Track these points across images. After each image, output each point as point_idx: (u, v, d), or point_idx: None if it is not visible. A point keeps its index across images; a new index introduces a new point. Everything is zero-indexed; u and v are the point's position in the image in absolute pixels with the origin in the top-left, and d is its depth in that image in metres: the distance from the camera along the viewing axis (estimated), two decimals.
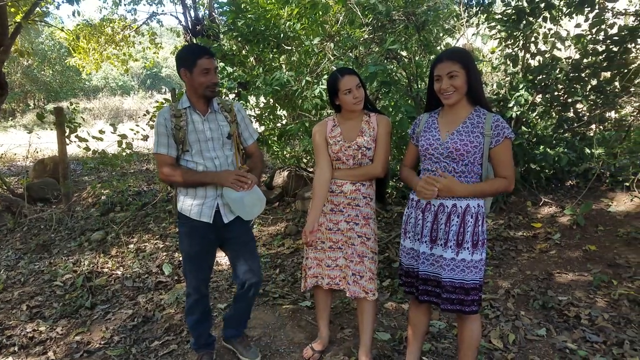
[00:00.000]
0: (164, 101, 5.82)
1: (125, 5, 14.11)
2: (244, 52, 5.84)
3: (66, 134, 5.91)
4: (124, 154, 6.10)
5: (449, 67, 2.11)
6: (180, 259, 4.56)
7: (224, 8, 5.51)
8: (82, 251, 4.98)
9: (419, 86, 5.16)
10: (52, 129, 7.46)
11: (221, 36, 8.25)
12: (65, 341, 3.27)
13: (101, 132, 5.60)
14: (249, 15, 5.31)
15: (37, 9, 8.24)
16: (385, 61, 5.00)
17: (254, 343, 3.02)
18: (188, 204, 2.51)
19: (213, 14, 13.03)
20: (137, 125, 5.93)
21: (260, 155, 2.80)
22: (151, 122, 5.83)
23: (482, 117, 2.16)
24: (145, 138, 5.95)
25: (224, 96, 5.29)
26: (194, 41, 9.46)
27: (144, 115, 6.07)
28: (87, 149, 5.71)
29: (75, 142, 5.86)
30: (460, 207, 2.18)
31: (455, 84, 2.12)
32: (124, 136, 5.77)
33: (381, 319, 3.26)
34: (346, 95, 2.49)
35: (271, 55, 5.94)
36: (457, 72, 2.11)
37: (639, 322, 3.02)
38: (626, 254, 3.92)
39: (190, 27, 13.16)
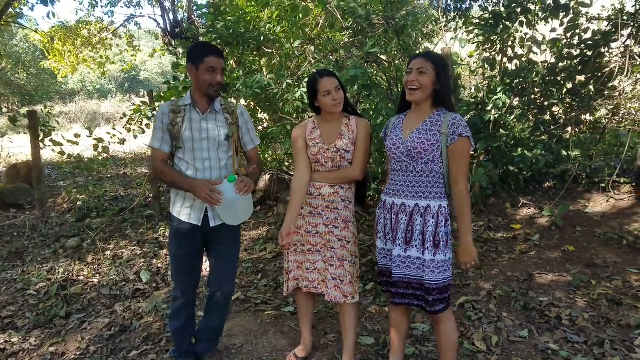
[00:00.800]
0: (141, 104, 5.71)
1: (102, 7, 13.91)
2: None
3: (40, 138, 5.76)
4: (100, 158, 5.97)
5: (422, 63, 2.16)
6: (159, 265, 4.48)
7: (203, 10, 5.43)
8: (57, 259, 4.84)
9: (399, 90, 5.17)
10: (26, 133, 7.27)
11: (200, 38, 8.16)
12: (39, 352, 3.16)
13: (77, 136, 5.48)
14: (229, 18, 5.26)
15: (10, 10, 8.04)
16: (366, 65, 5.01)
17: (236, 351, 2.97)
18: (178, 205, 2.50)
19: (192, 16, 12.93)
20: (114, 129, 5.82)
21: (260, 162, 2.78)
22: (128, 126, 5.72)
23: (442, 116, 2.20)
24: (123, 142, 5.84)
25: None
26: (173, 44, 9.34)
27: (121, 118, 5.95)
28: (62, 153, 5.57)
29: (49, 146, 5.71)
30: (422, 206, 2.21)
31: (422, 81, 2.15)
32: (100, 140, 5.65)
33: (365, 323, 3.23)
34: (325, 97, 2.48)
35: (251, 58, 5.90)
36: (427, 71, 2.15)
37: (618, 321, 3.06)
38: (604, 254, 3.98)
39: (169, 29, 13.03)
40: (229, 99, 5.30)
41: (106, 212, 6.04)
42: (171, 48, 10.64)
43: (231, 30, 5.23)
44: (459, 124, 2.15)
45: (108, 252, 4.87)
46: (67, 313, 3.69)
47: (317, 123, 2.64)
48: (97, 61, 14.65)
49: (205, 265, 4.20)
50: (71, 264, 4.64)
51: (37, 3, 13.93)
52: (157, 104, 5.54)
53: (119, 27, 14.87)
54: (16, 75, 26.04)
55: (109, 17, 14.61)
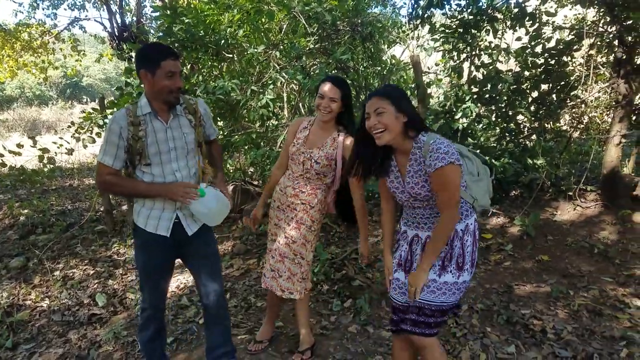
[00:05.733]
0: (92, 111, 5.30)
1: (43, 9, 13.13)
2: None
3: None
4: (46, 169, 5.50)
5: (377, 103, 1.98)
6: (115, 287, 4.11)
7: (158, 12, 5.10)
8: (0, 281, 4.37)
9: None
10: None
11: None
12: None
13: (19, 145, 5.00)
14: (187, 20, 4.97)
15: None
16: (335, 71, 4.85)
17: None
18: (144, 215, 2.29)
19: (141, 20, 12.46)
20: (61, 139, 5.37)
21: (219, 147, 2.70)
22: (76, 135, 5.29)
23: (421, 148, 2.00)
24: (70, 152, 5.40)
25: None
26: (124, 48, 8.88)
27: (69, 126, 5.49)
28: (2, 165, 5.07)
29: None
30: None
31: (383, 121, 1.96)
32: (45, 150, 5.19)
33: (346, 345, 3.03)
34: (318, 99, 2.56)
35: (210, 63, 5.63)
36: (385, 109, 1.96)
37: (601, 333, 3.01)
38: (577, 263, 3.98)
39: (116, 33, 12.45)
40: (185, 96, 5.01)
41: (53, 228, 5.56)
42: (121, 52, 10.14)
43: (189, 34, 4.95)
44: (437, 155, 1.92)
45: (57, 273, 4.43)
46: (13, 343, 3.28)
47: (310, 124, 2.71)
48: (38, 66, 13.81)
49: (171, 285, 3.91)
50: (16, 286, 4.18)
51: None
52: (109, 111, 5.15)
53: (62, 31, 14.10)
54: None
55: (52, 19, 13.78)
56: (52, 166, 5.45)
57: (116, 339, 3.24)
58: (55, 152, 5.36)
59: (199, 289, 2.47)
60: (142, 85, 2.35)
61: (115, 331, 3.30)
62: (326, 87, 2.52)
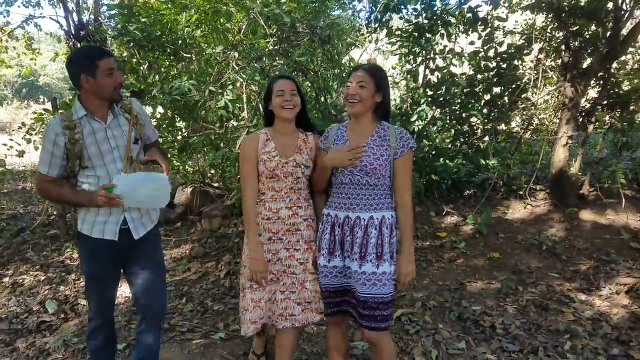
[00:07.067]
0: (43, 112, 5.14)
1: None
2: (135, 59, 5.37)
3: None
4: None
5: (362, 76, 2.17)
6: (67, 293, 4.00)
7: (114, 11, 5.00)
8: None
9: (326, 99, 5.10)
10: None
11: (109, 41, 7.60)
12: None
13: None
14: (143, 20, 4.89)
15: None
16: (294, 73, 4.87)
17: None
18: (89, 221, 2.21)
19: (99, 18, 12.14)
20: (12, 140, 5.19)
21: (160, 145, 2.59)
22: (27, 136, 5.12)
23: (386, 129, 2.22)
24: (21, 154, 5.23)
25: None
26: (79, 46, 8.64)
27: (19, 128, 5.31)
28: None
29: None
30: (377, 218, 2.19)
31: (362, 94, 2.15)
32: None
33: (302, 345, 3.05)
34: (278, 97, 2.31)
35: (167, 63, 5.55)
36: (366, 84, 2.16)
37: (547, 327, 3.14)
38: (527, 259, 4.13)
39: (73, 32, 12.08)
40: (144, 106, 4.93)
41: (3, 233, 5.35)
42: None
43: (145, 33, 4.87)
44: (407, 137, 2.20)
45: (6, 279, 4.27)
46: None
47: (270, 134, 2.39)
48: None
49: (122, 291, 3.83)
50: None
51: None
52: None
53: (15, 29, 13.60)
54: None
55: (4, 17, 13.27)
56: (2, 169, 5.26)
57: (66, 346, 3.15)
58: (6, 155, 5.18)
59: (139, 293, 2.34)
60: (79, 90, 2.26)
61: (65, 338, 3.21)
62: (282, 82, 2.34)
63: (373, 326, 2.17)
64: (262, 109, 2.43)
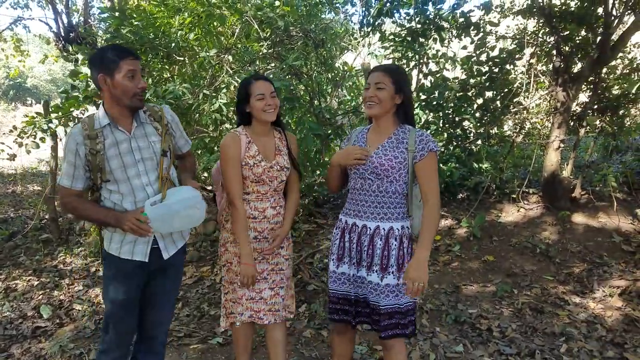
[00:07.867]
0: (35, 115, 5.08)
1: None
2: None
3: None
4: None
5: (380, 78, 2.10)
6: (61, 297, 3.96)
7: (106, 14, 4.97)
8: None
9: (320, 103, 5.10)
10: None
11: (100, 44, 7.53)
12: None
13: None
14: (136, 23, 4.86)
15: None
16: (288, 77, 4.87)
17: None
18: (117, 240, 2.06)
19: (89, 20, 12.06)
20: (3, 143, 5.12)
21: (193, 159, 2.47)
22: (19, 140, 5.06)
23: (406, 132, 2.14)
24: (13, 157, 5.15)
25: None
26: (70, 50, 8.56)
27: (11, 131, 5.24)
28: None
29: None
30: (384, 229, 2.12)
31: (380, 96, 2.08)
32: None
33: (301, 350, 3.05)
34: (258, 100, 2.27)
35: (160, 66, 5.52)
36: (385, 86, 2.08)
37: (543, 330, 3.17)
38: (521, 263, 4.16)
39: (62, 34, 11.98)
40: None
41: None
42: (66, 54, 9.77)
43: (138, 36, 4.84)
44: (428, 139, 2.09)
45: None
46: None
47: (250, 136, 2.35)
48: None
49: None
50: None
51: None
52: (53, 116, 4.95)
53: (4, 30, 13.46)
54: None
55: None
56: None
57: (62, 352, 3.12)
58: None
59: (146, 318, 2.22)
60: (90, 88, 2.14)
61: (62, 344, 3.18)
62: (260, 85, 2.28)
63: (389, 334, 2.12)
64: (236, 109, 2.35)
